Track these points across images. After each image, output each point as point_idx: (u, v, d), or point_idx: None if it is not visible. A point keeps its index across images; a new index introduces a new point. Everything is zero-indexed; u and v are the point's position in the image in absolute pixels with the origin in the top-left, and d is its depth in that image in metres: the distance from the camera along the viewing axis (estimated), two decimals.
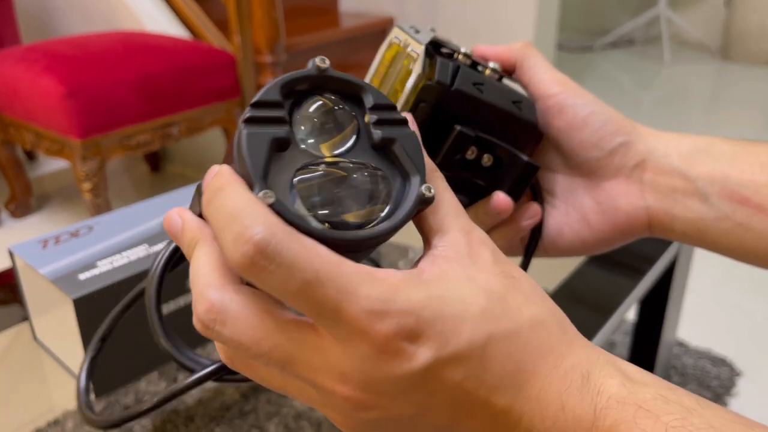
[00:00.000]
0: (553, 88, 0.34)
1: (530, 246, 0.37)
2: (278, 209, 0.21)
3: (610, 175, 0.35)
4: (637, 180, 0.35)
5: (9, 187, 1.73)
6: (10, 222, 1.74)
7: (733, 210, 0.32)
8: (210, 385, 0.55)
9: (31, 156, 2.07)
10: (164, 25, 1.79)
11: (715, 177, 0.33)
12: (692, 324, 1.24)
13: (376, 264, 0.58)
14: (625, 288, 0.64)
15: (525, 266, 0.37)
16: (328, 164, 0.24)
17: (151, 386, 0.55)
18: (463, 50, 0.34)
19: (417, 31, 0.34)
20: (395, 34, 0.35)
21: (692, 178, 0.33)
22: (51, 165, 2.04)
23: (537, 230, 0.36)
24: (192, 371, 0.27)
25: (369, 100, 0.25)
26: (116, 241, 0.48)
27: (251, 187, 0.21)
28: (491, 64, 0.35)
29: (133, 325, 0.45)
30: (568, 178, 0.36)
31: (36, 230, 1.70)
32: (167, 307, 0.47)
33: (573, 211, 0.36)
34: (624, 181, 0.35)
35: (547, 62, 0.35)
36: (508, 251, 0.38)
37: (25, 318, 0.54)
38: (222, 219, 0.20)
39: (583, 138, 0.34)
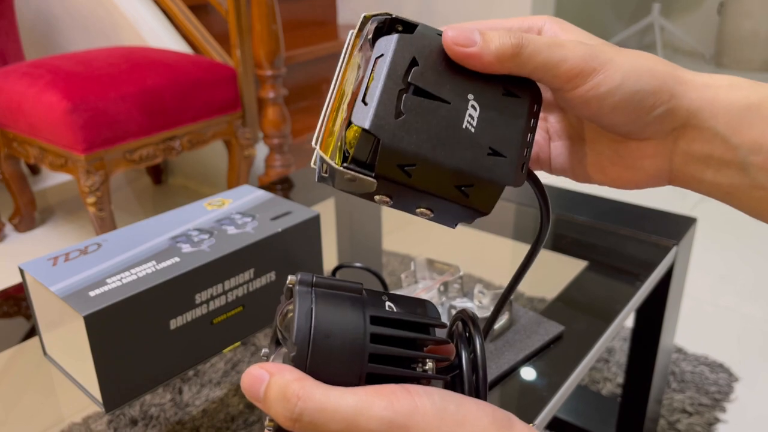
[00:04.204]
0: (570, 83, 0.29)
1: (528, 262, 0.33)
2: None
3: (642, 138, 0.31)
4: (670, 143, 0.31)
5: (13, 201, 1.74)
6: (14, 236, 1.76)
7: None
8: (215, 396, 0.56)
9: (34, 170, 2.09)
10: (166, 39, 1.81)
11: (762, 145, 0.29)
12: (690, 330, 1.25)
13: (381, 278, 0.59)
14: (624, 296, 0.64)
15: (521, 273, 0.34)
16: None
17: (156, 398, 0.56)
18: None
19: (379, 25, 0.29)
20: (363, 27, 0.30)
21: (735, 145, 0.29)
22: (54, 178, 2.06)
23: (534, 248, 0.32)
24: None
25: None
26: (125, 258, 0.49)
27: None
28: None
29: (141, 342, 0.46)
30: (590, 128, 0.33)
31: (40, 244, 1.71)
32: (175, 323, 0.48)
33: (591, 153, 0.33)
34: (655, 143, 0.31)
35: (551, 47, 0.28)
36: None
37: (35, 333, 0.55)
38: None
39: (615, 121, 0.30)
